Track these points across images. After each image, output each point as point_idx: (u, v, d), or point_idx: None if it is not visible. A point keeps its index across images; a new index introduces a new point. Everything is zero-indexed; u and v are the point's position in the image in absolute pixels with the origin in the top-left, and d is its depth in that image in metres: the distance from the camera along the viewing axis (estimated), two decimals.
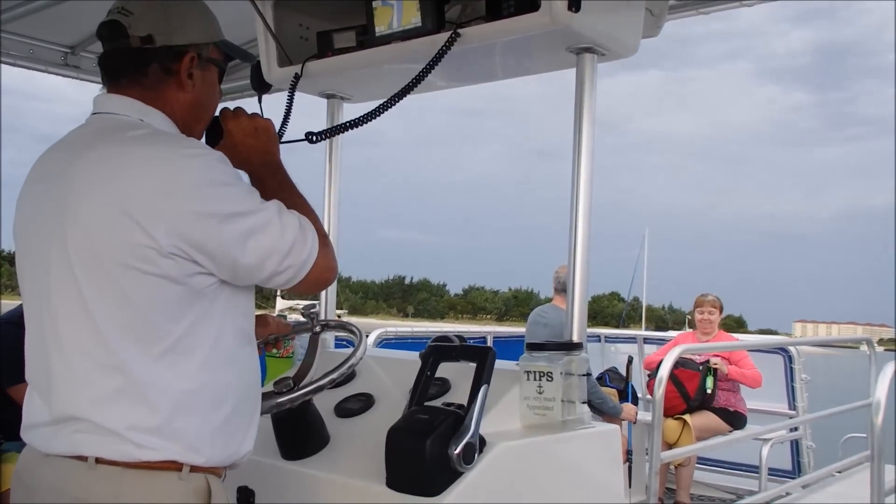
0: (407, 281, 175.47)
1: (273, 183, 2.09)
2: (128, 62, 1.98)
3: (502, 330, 8.51)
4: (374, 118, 2.53)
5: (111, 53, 2.01)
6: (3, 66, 4.21)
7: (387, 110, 2.53)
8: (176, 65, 2.00)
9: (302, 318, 2.71)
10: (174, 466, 1.80)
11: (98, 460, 1.76)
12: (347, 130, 2.62)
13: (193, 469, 1.82)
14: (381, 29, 2.61)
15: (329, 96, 3.19)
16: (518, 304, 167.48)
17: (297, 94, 2.85)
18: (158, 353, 1.79)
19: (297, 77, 2.82)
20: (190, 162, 1.82)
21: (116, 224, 1.75)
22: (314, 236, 1.96)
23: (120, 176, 1.79)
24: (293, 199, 2.04)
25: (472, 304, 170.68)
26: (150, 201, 1.75)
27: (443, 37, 2.46)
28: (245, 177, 2.07)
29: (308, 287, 2.00)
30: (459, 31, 2.44)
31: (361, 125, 2.57)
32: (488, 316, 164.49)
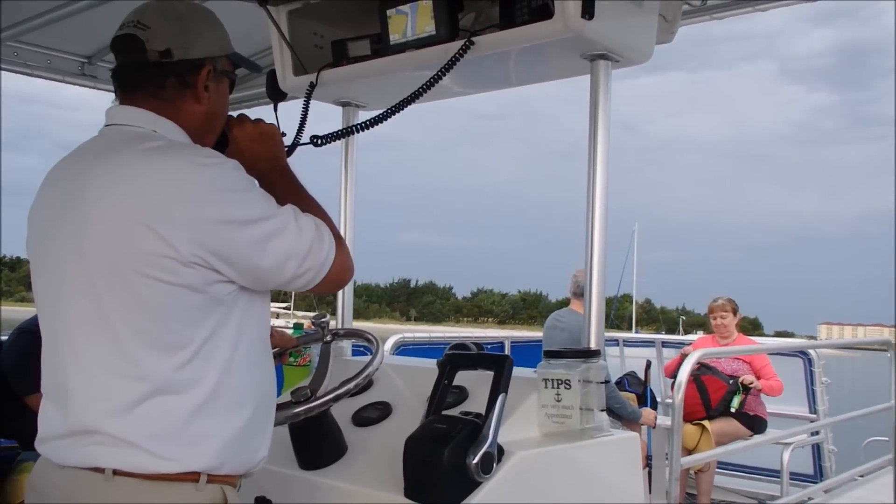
0: (412, 284, 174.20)
1: (283, 186, 2.11)
2: (145, 75, 1.98)
3: (506, 334, 8.45)
4: (382, 122, 2.57)
5: (127, 66, 2.01)
6: (22, 76, 4.25)
7: (395, 114, 2.57)
8: (193, 78, 2.01)
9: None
10: (191, 477, 1.80)
11: (115, 472, 1.76)
12: (353, 134, 2.66)
13: (210, 479, 1.82)
14: (395, 37, 2.62)
15: (344, 104, 3.20)
16: (526, 307, 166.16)
17: (313, 102, 2.86)
18: (179, 362, 1.79)
19: (312, 85, 2.84)
20: (206, 170, 1.83)
21: (136, 234, 1.75)
22: (330, 237, 1.98)
23: (137, 187, 1.79)
24: (304, 201, 2.06)
25: (479, 307, 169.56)
26: (169, 211, 1.76)
27: (457, 45, 2.47)
28: (255, 181, 2.09)
29: (327, 288, 2.02)
30: (473, 38, 2.45)
31: (368, 129, 2.61)
32: (490, 319, 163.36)
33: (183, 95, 2.00)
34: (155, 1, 2.05)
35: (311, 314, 2.92)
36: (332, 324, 2.88)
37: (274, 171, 2.15)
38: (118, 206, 1.79)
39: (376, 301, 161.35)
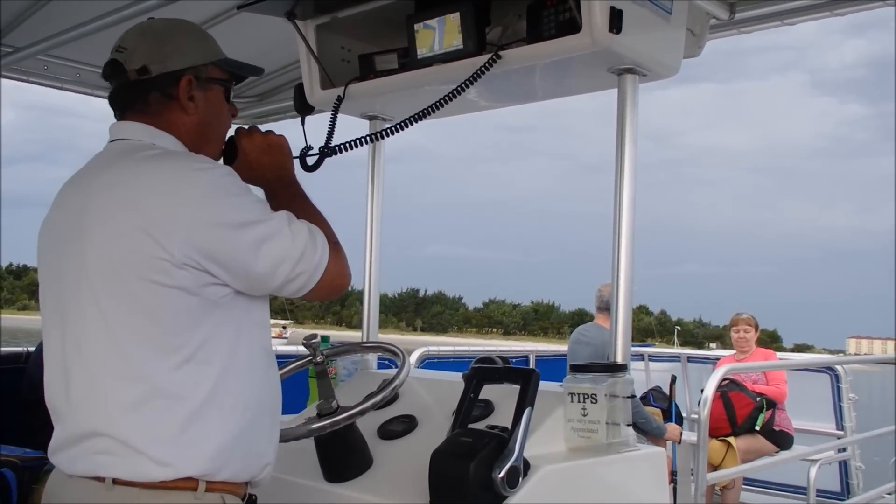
0: (421, 294, 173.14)
1: (285, 195, 2.15)
2: (129, 95, 2.06)
3: (531, 348, 8.44)
4: (396, 133, 2.63)
5: (115, 90, 2.09)
6: (51, 89, 4.30)
7: (414, 124, 2.61)
8: (174, 89, 2.05)
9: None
10: (190, 485, 1.83)
11: (115, 481, 1.80)
12: (363, 145, 2.68)
13: (210, 487, 1.85)
14: (422, 51, 2.63)
15: (371, 118, 3.21)
16: (538, 318, 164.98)
17: (340, 116, 2.87)
18: (177, 363, 1.83)
19: (339, 99, 2.85)
20: (199, 175, 1.88)
21: (131, 238, 1.81)
22: (324, 242, 2.00)
23: (132, 193, 1.85)
24: (305, 210, 2.09)
25: (489, 317, 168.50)
26: (162, 215, 1.81)
27: (483, 59, 2.47)
28: (260, 192, 2.14)
29: (322, 293, 2.03)
30: (500, 52, 2.45)
31: (383, 139, 2.66)
32: (495, 330, 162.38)
33: (169, 108, 2.06)
34: (136, 24, 2.13)
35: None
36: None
37: (279, 182, 2.19)
38: (114, 212, 1.85)
39: (383, 311, 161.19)
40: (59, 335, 1.93)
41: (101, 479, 1.81)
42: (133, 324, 1.82)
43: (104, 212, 1.86)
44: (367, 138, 2.72)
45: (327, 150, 2.59)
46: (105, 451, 1.81)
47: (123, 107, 2.07)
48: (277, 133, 2.28)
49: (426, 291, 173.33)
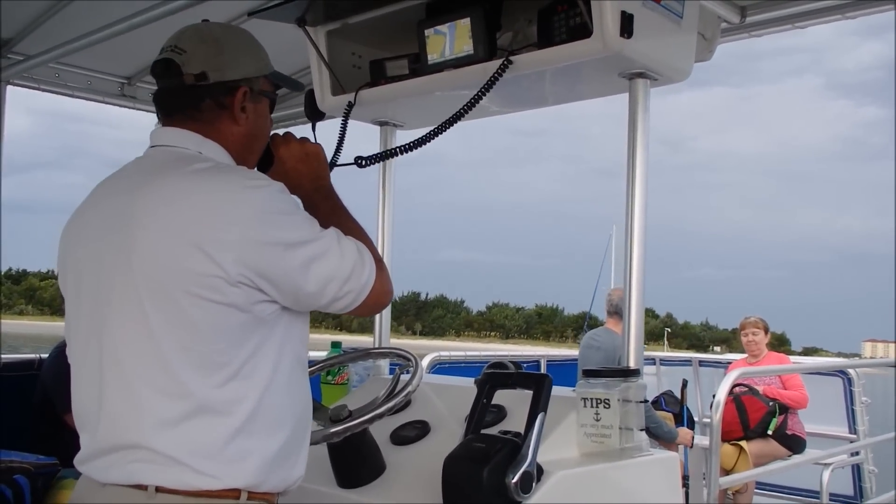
0: (422, 297, 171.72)
1: (326, 207, 2.13)
2: (182, 98, 2.02)
3: (542, 353, 8.42)
4: (424, 144, 2.57)
5: (165, 90, 2.06)
6: (63, 97, 4.33)
7: (437, 136, 2.56)
8: (229, 99, 2.02)
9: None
10: (233, 494, 1.82)
11: (158, 489, 1.78)
12: (397, 156, 2.66)
13: (251, 496, 1.84)
14: (433, 57, 2.62)
15: (382, 123, 3.21)
16: (542, 322, 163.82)
17: (350, 121, 2.87)
18: (221, 379, 1.81)
19: (350, 105, 2.84)
20: (253, 193, 1.85)
21: (184, 254, 1.78)
22: (371, 261, 2.00)
23: (186, 208, 1.82)
24: (346, 224, 2.08)
25: (491, 321, 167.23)
26: (217, 232, 1.78)
27: (494, 64, 2.46)
28: (298, 202, 2.11)
29: (366, 311, 2.04)
30: (511, 58, 2.45)
31: (411, 151, 2.61)
32: (494, 334, 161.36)
33: (220, 117, 2.03)
34: (192, 25, 2.08)
35: None
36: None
37: (317, 193, 2.18)
38: (168, 227, 1.81)
39: None
40: (93, 343, 1.90)
41: (142, 487, 1.79)
42: (179, 339, 1.80)
43: (154, 226, 1.83)
44: (395, 150, 2.71)
45: (363, 162, 2.57)
46: (145, 460, 1.79)
47: (172, 110, 2.04)
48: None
49: (427, 295, 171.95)
